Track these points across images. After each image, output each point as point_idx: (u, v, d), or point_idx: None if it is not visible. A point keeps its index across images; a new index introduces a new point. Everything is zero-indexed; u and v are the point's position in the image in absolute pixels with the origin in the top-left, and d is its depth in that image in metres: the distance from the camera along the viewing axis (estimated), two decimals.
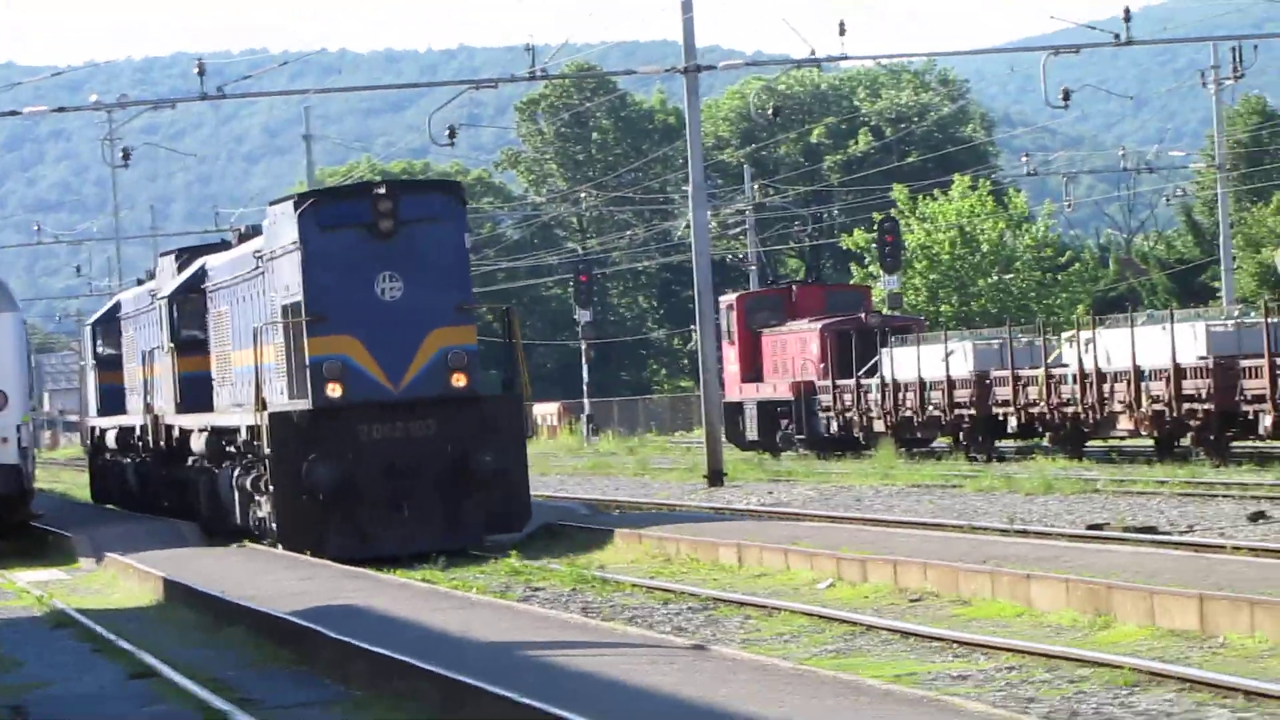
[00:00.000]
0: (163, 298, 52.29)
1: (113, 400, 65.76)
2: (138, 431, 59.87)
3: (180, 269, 53.50)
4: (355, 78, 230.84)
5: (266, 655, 30.04)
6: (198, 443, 48.17)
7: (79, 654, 31.66)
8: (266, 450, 37.32)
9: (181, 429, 51.20)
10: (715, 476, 59.37)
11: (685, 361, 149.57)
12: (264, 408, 38.71)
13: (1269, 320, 50.01)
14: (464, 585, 36.00)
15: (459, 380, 38.11)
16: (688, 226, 76.19)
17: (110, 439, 66.63)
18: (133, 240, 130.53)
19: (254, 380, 42.49)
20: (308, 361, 37.32)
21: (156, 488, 57.17)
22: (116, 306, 67.94)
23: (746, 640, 27.24)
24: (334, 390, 36.70)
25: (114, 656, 30.18)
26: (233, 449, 44.85)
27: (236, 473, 43.60)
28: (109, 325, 68.23)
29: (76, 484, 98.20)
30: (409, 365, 37.86)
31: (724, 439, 67.81)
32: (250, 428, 40.11)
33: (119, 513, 66.67)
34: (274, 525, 37.95)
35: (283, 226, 39.60)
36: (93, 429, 72.12)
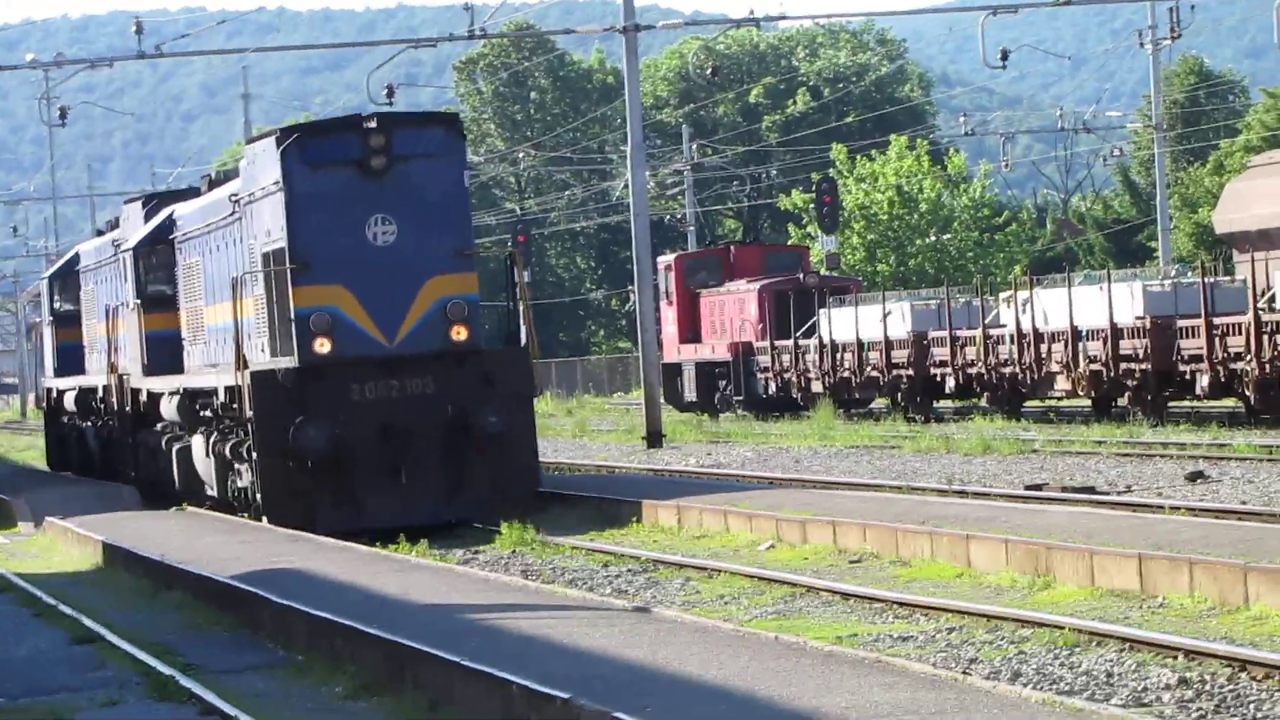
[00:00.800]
0: (127, 250, 48.00)
1: (71, 359, 61.20)
2: (100, 393, 55.70)
3: (148, 218, 49.05)
4: (293, 36, 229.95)
5: (208, 619, 30.14)
6: (168, 407, 44.00)
7: (19, 619, 31.76)
8: (248, 413, 33.66)
9: (150, 392, 46.90)
10: (654, 438, 59.11)
11: (623, 322, 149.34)
12: (245, 366, 34.76)
13: (1205, 280, 49.95)
14: (408, 550, 34.78)
15: (459, 333, 34.34)
16: (626, 187, 75.41)
17: (69, 401, 62.24)
18: (70, 200, 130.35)
19: (232, 337, 38.58)
20: (293, 314, 33.63)
21: (122, 455, 52.25)
22: (75, 259, 63.38)
23: (687, 602, 27.33)
24: (322, 345, 33.02)
25: (55, 621, 30.59)
26: (209, 413, 40.94)
27: (214, 439, 39.77)
28: (67, 279, 63.42)
29: (13, 448, 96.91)
30: (404, 317, 34.12)
31: (662, 400, 67.24)
32: (230, 389, 36.57)
33: (60, 477, 66.05)
34: (257, 496, 34.15)
35: (263, 165, 35.74)
36: (49, 390, 67.53)
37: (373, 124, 34.42)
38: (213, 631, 28.96)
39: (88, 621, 29.25)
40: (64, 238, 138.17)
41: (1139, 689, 19.36)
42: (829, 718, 16.78)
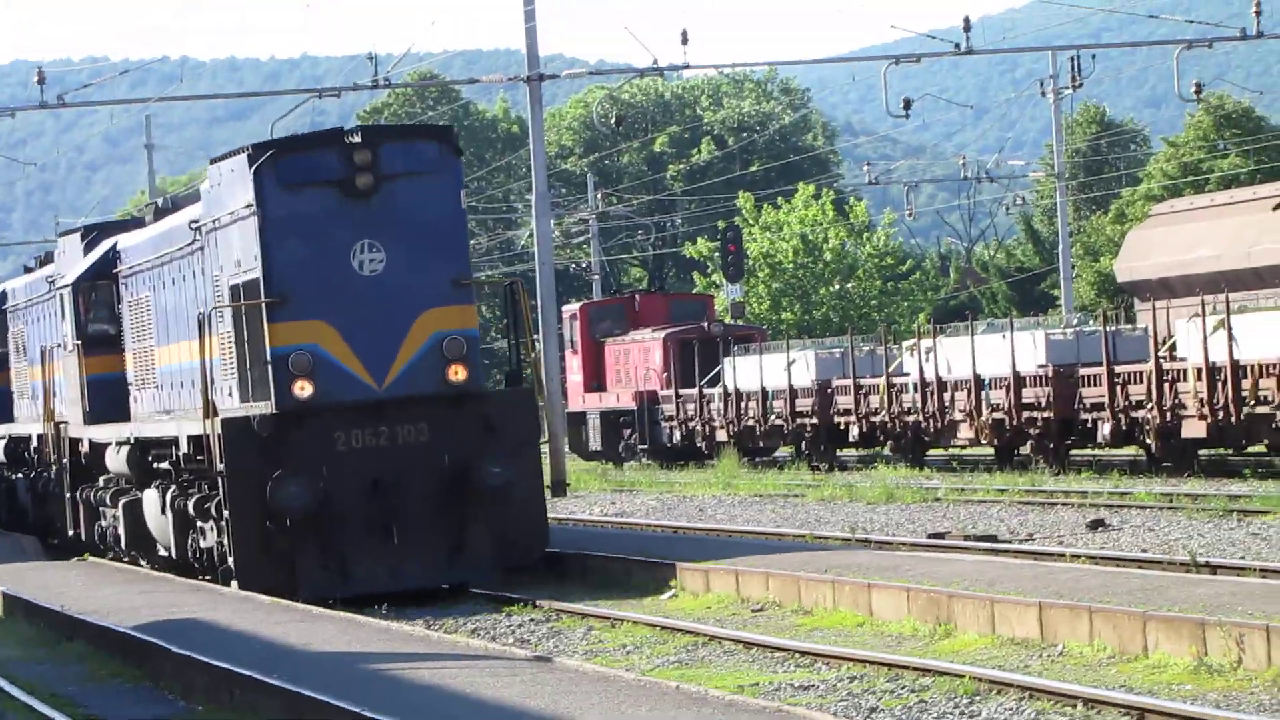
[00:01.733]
0: (65, 285, 42.30)
1: None
2: (34, 442, 49.86)
3: (88, 250, 43.41)
4: (197, 86, 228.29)
5: (109, 670, 29.74)
6: (115, 458, 38.89)
7: None
8: (218, 466, 29.21)
9: (93, 441, 41.77)
10: (558, 486, 58.68)
11: (528, 371, 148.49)
12: (214, 413, 30.03)
13: (1107, 329, 50.19)
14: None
15: (457, 373, 29.66)
16: (531, 235, 75.16)
17: None
18: None
19: (191, 380, 34.34)
20: (269, 354, 29.16)
21: (58, 510, 46.39)
22: (2, 297, 57.56)
23: (590, 651, 27.19)
24: (303, 389, 28.54)
25: None
26: (165, 465, 36.09)
27: (171, 494, 34.82)
28: None
29: None
30: (395, 356, 29.54)
31: (567, 449, 66.51)
32: (194, 438, 31.81)
33: None
34: (228, 559, 29.74)
35: (231, 187, 31.03)
36: None
37: (357, 138, 29.99)
38: (113, 683, 28.62)
39: None
40: None
41: None
42: None
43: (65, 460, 43.77)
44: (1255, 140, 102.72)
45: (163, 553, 36.44)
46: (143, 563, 37.47)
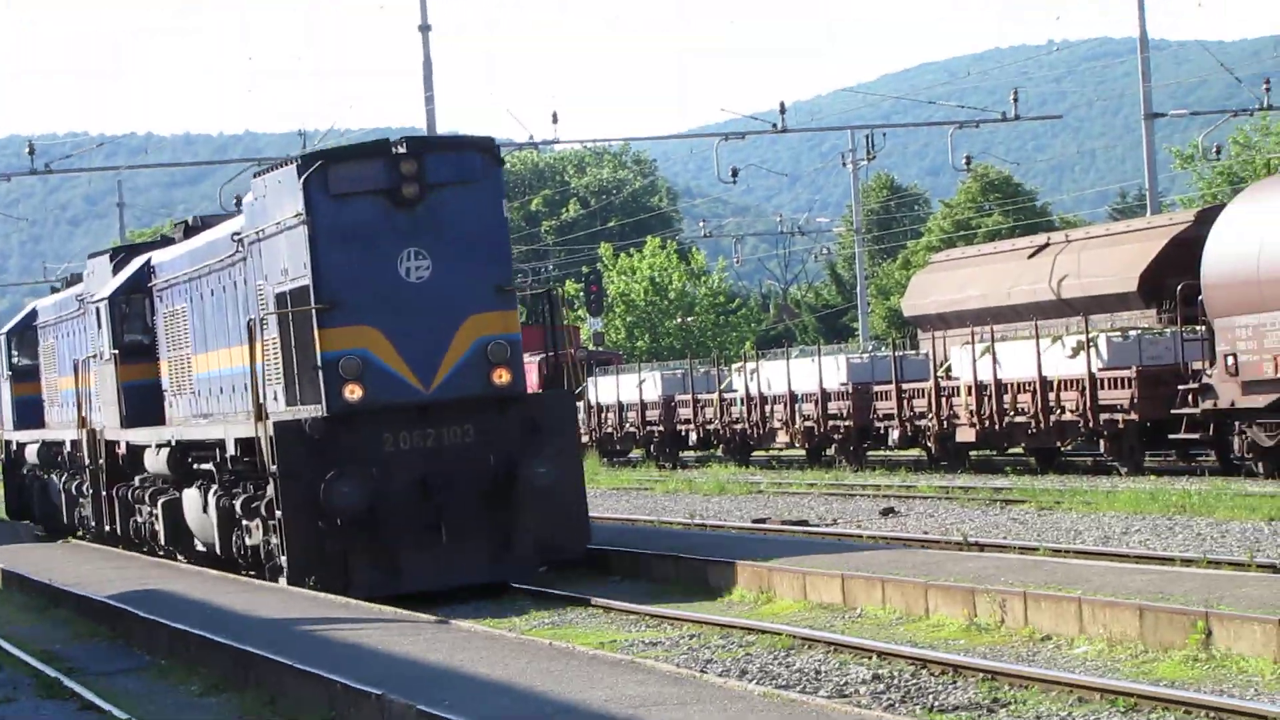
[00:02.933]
0: (100, 299, 37.76)
1: (30, 413, 51.28)
2: (68, 447, 45.15)
3: (117, 269, 39.05)
4: (160, 155, 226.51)
5: (89, 631, 29.23)
6: (155, 460, 34.64)
7: None
8: (270, 468, 25.55)
9: (130, 444, 37.13)
10: None
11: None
12: (264, 417, 26.55)
13: (895, 354, 50.71)
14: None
15: (502, 376, 26.17)
16: None
17: (30, 454, 50.83)
18: None
19: (236, 385, 30.79)
20: (319, 359, 25.54)
21: (96, 508, 41.43)
22: (33, 314, 52.75)
23: (479, 616, 25.86)
24: (353, 392, 25.11)
25: None
26: (207, 466, 31.98)
27: (214, 493, 30.96)
28: (24, 335, 52.60)
29: None
30: (441, 360, 26.04)
31: None
32: (242, 441, 28.04)
33: None
34: (280, 557, 26.16)
35: (278, 198, 27.38)
36: (8, 443, 55.76)
37: (403, 149, 26.42)
38: (92, 641, 28.07)
39: None
40: None
41: (841, 683, 19.38)
42: (591, 707, 16.80)
43: (101, 461, 39.16)
44: (1013, 202, 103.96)
45: (201, 548, 32.51)
46: (180, 557, 33.76)
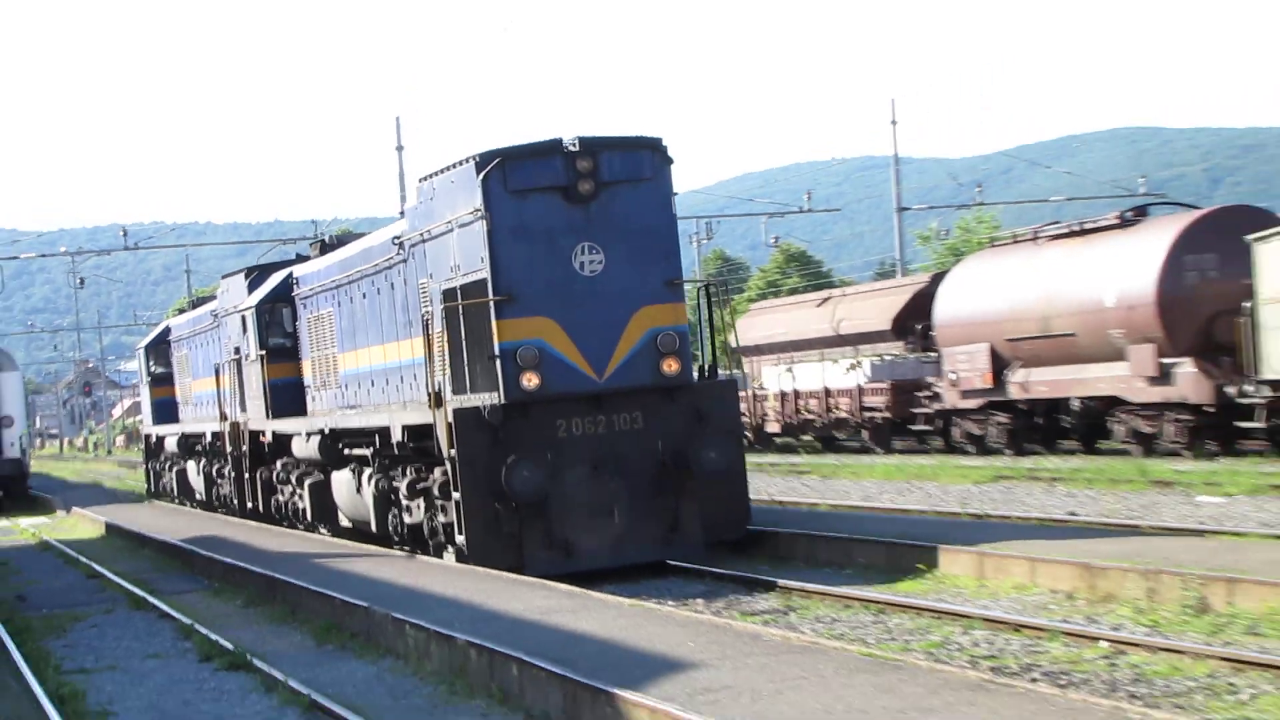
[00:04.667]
0: (247, 308, 32.35)
1: (166, 411, 45.22)
2: (209, 438, 38.72)
3: (252, 286, 33.61)
4: (216, 236, 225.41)
5: (166, 564, 29.09)
6: (304, 447, 29.20)
7: (56, 565, 30.77)
8: (448, 452, 20.82)
9: (275, 433, 31.59)
10: None
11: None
12: (440, 404, 21.29)
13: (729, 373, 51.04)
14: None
15: (670, 366, 21.23)
16: None
17: (170, 444, 44.49)
18: (88, 329, 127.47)
19: (390, 378, 25.46)
20: (496, 349, 20.63)
21: (239, 488, 35.60)
22: (166, 331, 46.83)
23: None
24: (530, 380, 20.40)
25: (76, 566, 29.22)
26: (359, 452, 26.44)
27: (368, 477, 25.48)
28: (159, 348, 46.73)
29: (67, 471, 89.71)
30: (614, 350, 21.17)
31: None
32: (409, 428, 22.82)
33: (82, 485, 62.23)
34: (462, 538, 21.01)
35: (449, 198, 21.93)
36: (148, 436, 49.20)
37: (576, 147, 21.22)
38: (169, 571, 27.93)
39: (96, 566, 28.34)
40: (85, 351, 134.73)
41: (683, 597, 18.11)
42: (510, 613, 16.64)
43: (245, 449, 33.64)
44: (807, 269, 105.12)
45: (346, 524, 27.45)
46: (322, 530, 28.76)
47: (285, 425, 29.77)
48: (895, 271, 65.75)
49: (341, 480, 26.23)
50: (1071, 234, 34.82)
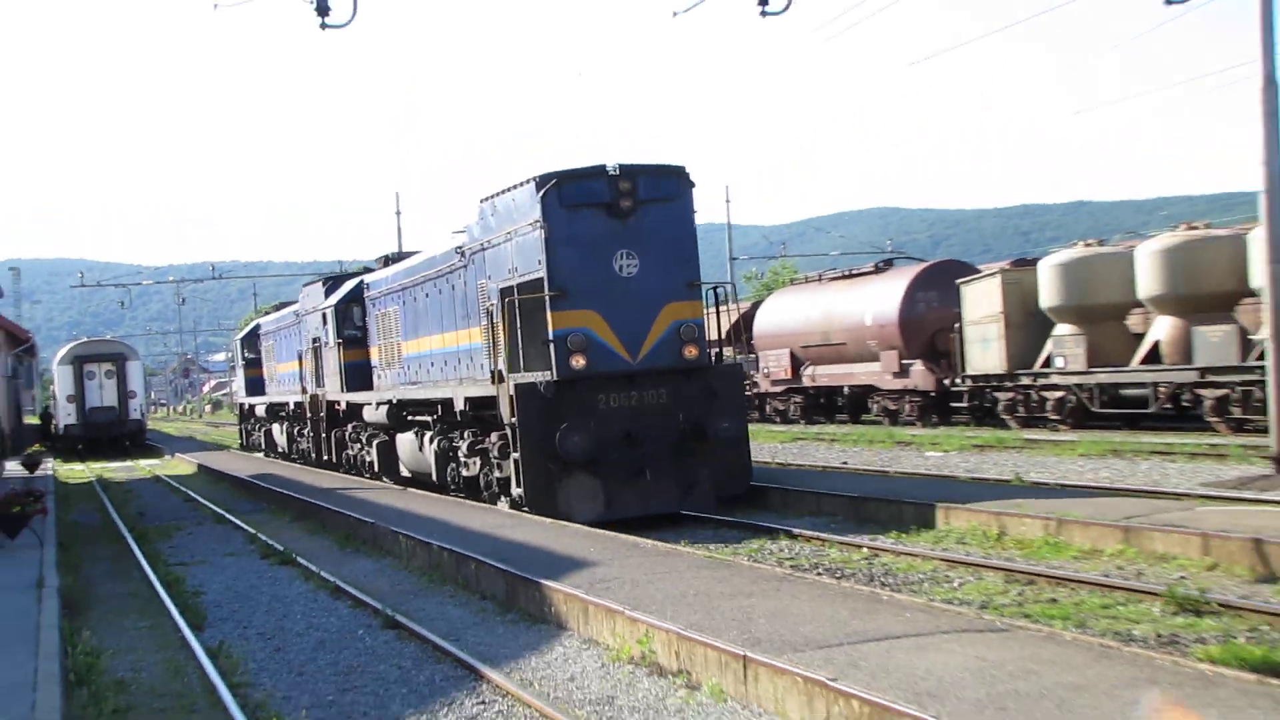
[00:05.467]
0: (328, 307, 29.09)
1: (254, 387, 41.45)
2: (291, 406, 35.69)
3: (328, 292, 30.18)
4: (274, 270, 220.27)
5: (238, 494, 30.65)
6: (374, 414, 26.03)
7: (164, 493, 35.84)
8: (509, 419, 18.42)
9: (349, 403, 28.42)
10: None
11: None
12: (501, 380, 18.74)
13: None
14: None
15: (691, 352, 18.91)
16: None
17: (259, 411, 41.14)
18: (186, 333, 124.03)
19: (449, 360, 21.94)
20: (550, 335, 18.45)
21: (315, 445, 31.91)
22: (257, 327, 43.01)
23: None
24: (578, 362, 18.30)
25: (177, 494, 32.54)
26: (421, 419, 23.35)
27: (429, 438, 22.39)
28: (250, 339, 42.58)
29: (171, 429, 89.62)
30: (645, 338, 18.84)
31: None
32: (471, 399, 19.96)
33: (184, 439, 62.45)
34: (520, 490, 18.43)
35: (508, 213, 19.75)
36: (241, 405, 45.30)
37: (618, 172, 18.87)
38: (239, 499, 29.56)
39: (190, 493, 31.18)
40: (184, 347, 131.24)
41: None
42: (469, 525, 16.94)
43: (322, 414, 31.16)
44: None
45: (406, 474, 24.93)
46: (385, 479, 25.67)
47: (357, 397, 28.36)
48: (729, 300, 65.13)
49: (405, 440, 24.76)
50: (844, 277, 36.54)
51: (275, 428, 38.98)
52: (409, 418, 24.74)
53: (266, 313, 51.54)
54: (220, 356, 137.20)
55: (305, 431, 34.07)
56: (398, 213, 56.76)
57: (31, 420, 53.72)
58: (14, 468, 32.02)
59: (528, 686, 9.47)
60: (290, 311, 37.21)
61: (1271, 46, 17.85)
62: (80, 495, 30.04)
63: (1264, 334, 18.22)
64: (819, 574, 13.12)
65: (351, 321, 28.22)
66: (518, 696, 9.19)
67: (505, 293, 19.55)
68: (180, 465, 41.47)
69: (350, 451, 29.58)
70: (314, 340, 31.33)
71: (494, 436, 19.58)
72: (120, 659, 11.37)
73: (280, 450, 38.53)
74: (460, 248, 21.81)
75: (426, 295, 23.97)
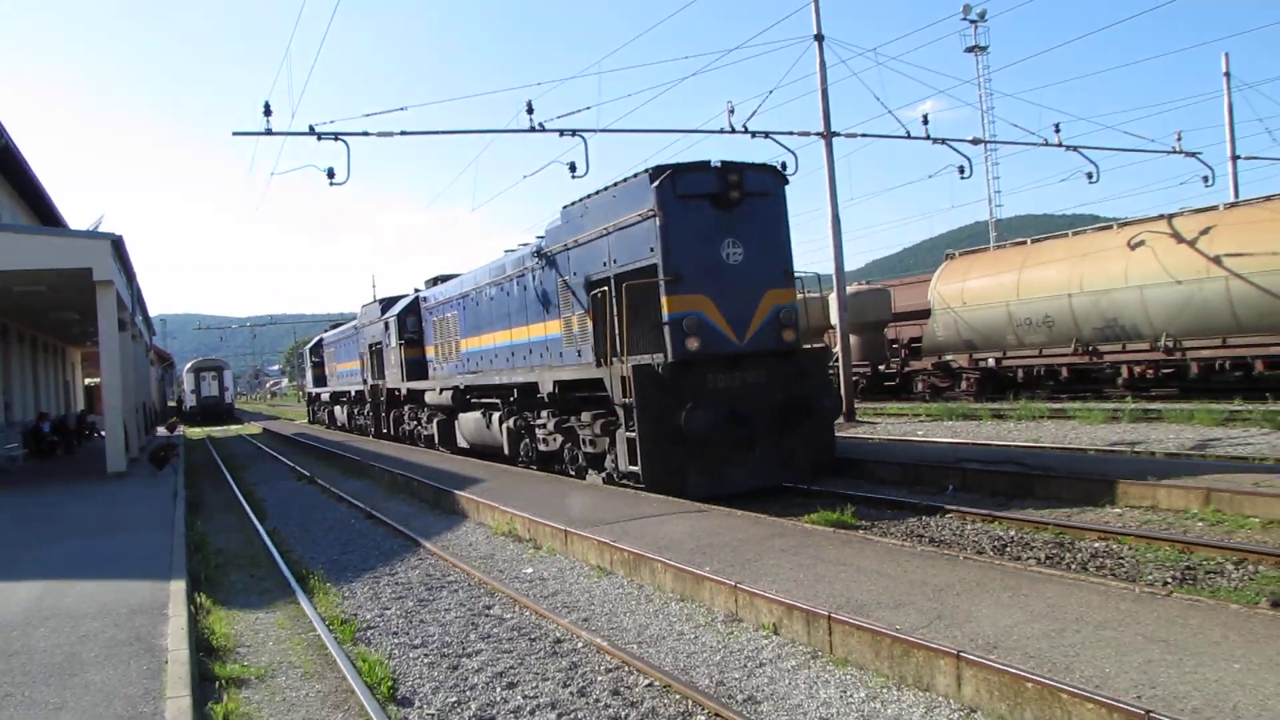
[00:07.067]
0: (392, 316, 31.95)
1: (319, 381, 51.33)
2: (352, 394, 41.70)
3: (383, 308, 34.11)
4: (307, 318, 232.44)
5: (287, 444, 39.94)
6: (437, 398, 27.05)
7: (244, 443, 45.06)
8: (620, 399, 18.07)
9: (409, 389, 30.71)
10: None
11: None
12: (610, 362, 18.59)
13: None
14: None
15: (788, 335, 18.77)
16: None
17: (324, 397, 50.68)
18: (254, 355, 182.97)
19: (499, 355, 23.16)
20: (666, 318, 18.11)
21: (375, 422, 35.83)
22: (320, 340, 52.39)
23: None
24: (692, 343, 17.97)
25: (250, 444, 43.52)
26: (487, 401, 24.09)
27: (498, 417, 22.84)
28: (316, 347, 52.54)
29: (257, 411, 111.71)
30: (749, 321, 18.55)
31: None
32: (562, 382, 19.85)
33: (260, 414, 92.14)
34: (638, 467, 17.73)
35: (608, 209, 19.50)
36: (309, 393, 56.29)
37: (724, 166, 18.71)
38: (288, 449, 37.08)
39: (259, 445, 41.51)
40: (250, 363, 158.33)
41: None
42: (417, 461, 23.27)
43: (383, 399, 34.68)
44: None
45: (463, 445, 26.19)
46: (443, 449, 27.50)
47: (417, 385, 30.83)
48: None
49: (470, 419, 25.90)
50: None
51: (337, 409, 48.41)
52: (472, 400, 25.80)
53: (313, 338, 62.09)
54: (275, 368, 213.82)
55: (365, 411, 40.29)
56: (373, 286, 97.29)
57: (172, 404, 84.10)
58: (161, 431, 46.74)
59: (446, 548, 15.14)
60: (350, 326, 44.92)
61: (835, 194, 28.71)
62: (198, 447, 43.17)
63: (837, 347, 29.76)
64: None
65: (407, 328, 31.79)
66: (440, 555, 14.70)
67: (595, 284, 19.48)
68: (254, 429, 59.07)
69: (406, 427, 33.22)
70: (374, 344, 36.81)
71: (587, 416, 19.26)
72: (218, 536, 17.58)
73: (339, 424, 47.73)
74: (539, 249, 21.69)
75: (491, 299, 24.58)
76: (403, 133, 22.58)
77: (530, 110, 23.11)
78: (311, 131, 21.79)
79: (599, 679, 9.05)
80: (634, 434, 17.64)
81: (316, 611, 11.56)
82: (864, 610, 8.96)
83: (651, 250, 18.11)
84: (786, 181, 19.23)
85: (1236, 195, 38.51)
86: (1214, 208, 26.25)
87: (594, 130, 23.84)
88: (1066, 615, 8.41)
